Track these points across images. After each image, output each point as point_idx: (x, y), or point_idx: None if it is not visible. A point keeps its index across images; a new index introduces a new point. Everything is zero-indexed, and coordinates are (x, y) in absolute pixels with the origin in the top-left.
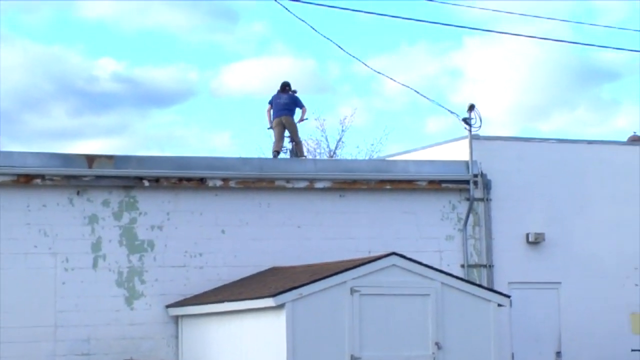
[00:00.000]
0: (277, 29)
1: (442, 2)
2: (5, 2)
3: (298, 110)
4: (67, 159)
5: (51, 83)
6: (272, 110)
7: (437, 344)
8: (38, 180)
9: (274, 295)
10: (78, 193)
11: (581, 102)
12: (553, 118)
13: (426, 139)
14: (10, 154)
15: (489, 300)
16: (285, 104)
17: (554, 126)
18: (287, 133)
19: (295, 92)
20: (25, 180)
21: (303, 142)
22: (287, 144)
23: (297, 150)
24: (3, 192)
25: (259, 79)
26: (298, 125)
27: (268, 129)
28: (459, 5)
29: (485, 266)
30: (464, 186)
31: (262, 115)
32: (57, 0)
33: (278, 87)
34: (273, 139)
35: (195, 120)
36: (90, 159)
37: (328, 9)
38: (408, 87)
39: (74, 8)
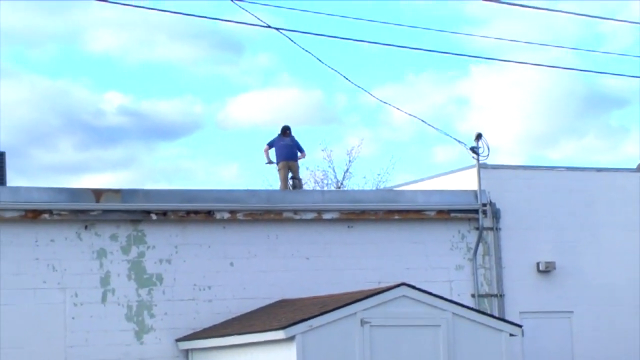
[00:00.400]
0: (283, 60)
1: (448, 32)
2: (11, 37)
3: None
4: (75, 193)
5: (58, 117)
6: (274, 151)
7: None
8: (46, 215)
9: (284, 328)
10: (86, 227)
11: (590, 130)
12: (561, 146)
13: (434, 169)
14: (18, 189)
15: (501, 330)
16: (291, 147)
17: (562, 154)
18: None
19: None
20: (33, 216)
21: (306, 176)
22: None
23: (297, 185)
24: (11, 227)
25: (266, 111)
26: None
27: (266, 164)
28: (465, 34)
29: (496, 296)
30: (473, 215)
31: None
32: (62, 34)
33: (279, 131)
34: (278, 177)
35: (202, 153)
36: (98, 194)
37: (334, 39)
38: (415, 116)
39: (80, 42)
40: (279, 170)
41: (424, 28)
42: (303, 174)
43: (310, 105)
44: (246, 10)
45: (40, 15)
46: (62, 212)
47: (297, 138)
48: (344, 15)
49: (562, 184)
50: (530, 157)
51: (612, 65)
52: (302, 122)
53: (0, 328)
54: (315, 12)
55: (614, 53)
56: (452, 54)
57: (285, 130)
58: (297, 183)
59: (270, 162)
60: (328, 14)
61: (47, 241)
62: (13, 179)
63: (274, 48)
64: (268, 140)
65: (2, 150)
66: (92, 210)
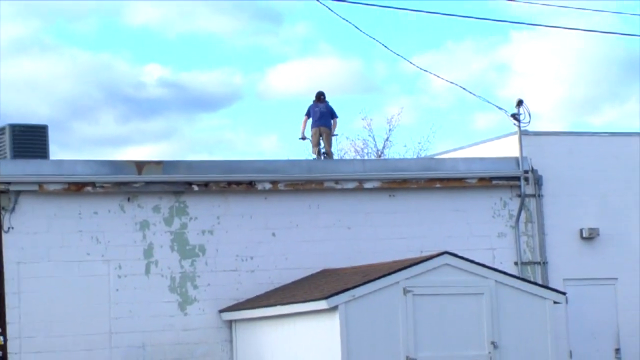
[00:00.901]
0: (322, 29)
1: None
2: (52, 11)
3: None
4: (117, 166)
5: (99, 91)
6: (309, 120)
7: (493, 343)
8: (89, 188)
9: (326, 298)
10: (129, 199)
11: (632, 95)
12: (604, 111)
13: (475, 136)
14: (61, 162)
15: (545, 298)
16: (323, 114)
17: (604, 120)
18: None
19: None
20: (77, 188)
21: (346, 145)
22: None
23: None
24: (55, 200)
25: (305, 81)
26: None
27: (299, 139)
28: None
29: (539, 263)
30: (515, 183)
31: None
32: (103, 7)
33: (313, 97)
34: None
35: (242, 124)
36: (140, 166)
37: (372, 7)
38: (455, 84)
39: (120, 15)
40: (310, 137)
41: None
42: (343, 143)
43: (350, 74)
44: None
45: None
46: (105, 185)
47: (333, 105)
48: None
49: (604, 149)
50: (572, 124)
51: None
52: (342, 91)
53: (47, 300)
54: None
55: None
56: (492, 20)
57: (320, 96)
58: (328, 158)
59: (303, 137)
60: None
61: (91, 213)
62: (56, 153)
63: (313, 17)
64: (306, 110)
65: (44, 123)
66: (135, 183)
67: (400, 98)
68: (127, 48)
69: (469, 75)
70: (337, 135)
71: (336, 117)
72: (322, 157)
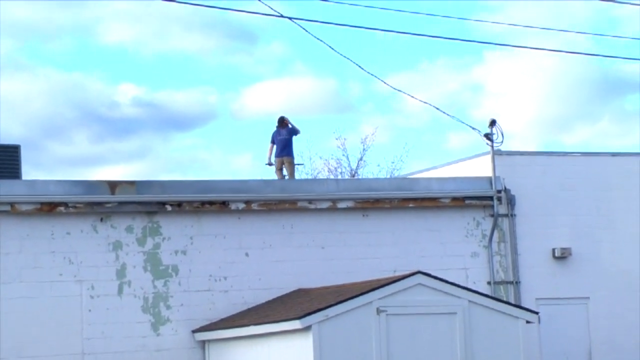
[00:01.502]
0: (297, 49)
1: (460, 18)
2: (26, 31)
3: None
4: (90, 185)
5: (73, 110)
6: (274, 148)
7: None
8: (62, 208)
9: (300, 318)
10: (101, 220)
11: (604, 114)
12: (576, 131)
13: (449, 155)
14: (34, 182)
15: (517, 317)
16: (285, 144)
17: (577, 139)
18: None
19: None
20: (49, 209)
21: (320, 165)
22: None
23: None
24: (27, 220)
25: (280, 100)
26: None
27: (266, 164)
28: (478, 20)
29: (511, 283)
30: (488, 202)
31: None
32: (77, 27)
33: (276, 123)
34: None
35: (217, 143)
36: (113, 185)
37: (347, 27)
38: (428, 103)
39: (94, 34)
40: (274, 165)
41: (437, 15)
42: (317, 162)
43: (325, 93)
44: (259, 0)
45: (55, 8)
46: (78, 205)
47: (307, 125)
48: (355, 4)
49: (577, 169)
50: (545, 143)
51: (627, 49)
52: (317, 110)
53: (19, 321)
54: (327, 0)
55: (628, 37)
56: (465, 40)
57: (282, 121)
58: None
59: (270, 163)
60: (340, 2)
61: (63, 234)
62: (28, 172)
63: (288, 37)
64: (270, 137)
65: (17, 143)
66: (108, 203)
67: (375, 117)
68: (101, 67)
69: (443, 95)
70: (303, 164)
71: (298, 133)
72: None
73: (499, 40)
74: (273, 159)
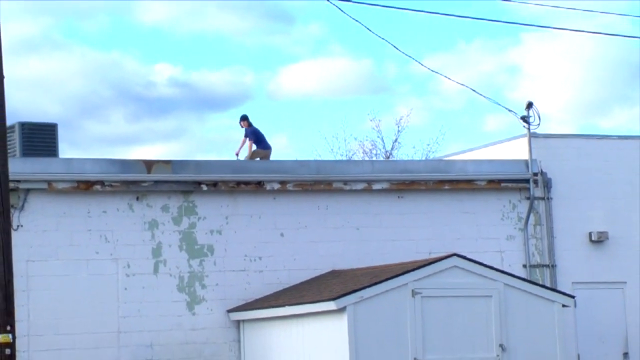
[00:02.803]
0: (334, 29)
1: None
2: (62, 9)
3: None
4: (126, 164)
5: (109, 89)
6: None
7: (501, 345)
8: (98, 187)
9: (335, 299)
10: (137, 199)
11: None
12: (613, 114)
13: (485, 138)
14: (70, 160)
15: (553, 301)
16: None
17: (614, 122)
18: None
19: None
20: (85, 187)
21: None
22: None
23: None
24: (64, 198)
25: (316, 80)
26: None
27: (237, 154)
28: (516, 2)
29: (547, 266)
30: (524, 185)
31: (320, 117)
32: (113, 5)
33: (250, 122)
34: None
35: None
36: (149, 165)
37: (384, 8)
38: (465, 85)
39: (130, 13)
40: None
41: None
42: (352, 144)
43: (361, 74)
44: None
45: None
46: (114, 184)
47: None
48: None
49: (614, 152)
50: (581, 126)
51: None
52: (353, 91)
53: (55, 298)
54: None
55: None
56: (503, 22)
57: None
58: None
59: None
60: None
61: (100, 212)
62: (65, 151)
63: (325, 18)
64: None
65: (54, 122)
66: (144, 182)
67: (411, 99)
68: (137, 47)
69: (479, 77)
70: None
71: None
72: None
73: (535, 22)
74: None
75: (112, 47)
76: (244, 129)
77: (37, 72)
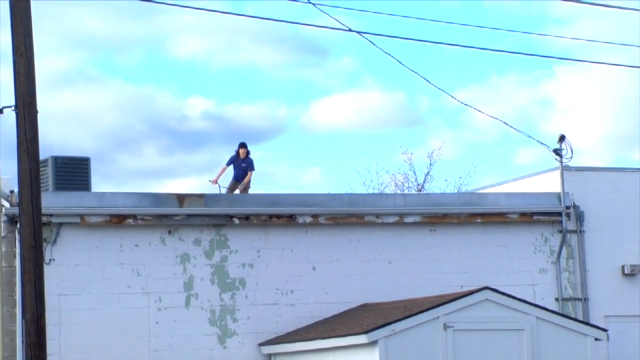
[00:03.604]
0: (366, 62)
1: (531, 33)
2: (98, 43)
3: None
4: (158, 198)
5: (143, 123)
6: (231, 169)
7: None
8: (130, 220)
9: (366, 332)
10: (169, 232)
11: None
12: None
13: (517, 171)
14: (103, 194)
15: (586, 335)
16: (245, 171)
17: None
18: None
19: (249, 153)
20: (118, 221)
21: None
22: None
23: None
24: (97, 232)
25: (349, 113)
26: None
27: (209, 181)
28: (548, 35)
29: (580, 299)
30: (557, 218)
31: (352, 150)
32: (148, 39)
33: (236, 148)
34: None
35: (285, 157)
36: (181, 198)
37: (416, 42)
38: (496, 118)
39: (165, 47)
40: (228, 188)
41: (506, 30)
42: (384, 177)
43: (393, 107)
44: (327, 14)
45: (127, 21)
46: (146, 217)
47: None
48: (423, 18)
49: None
50: (614, 159)
51: None
52: (386, 124)
53: (87, 332)
54: (395, 15)
55: None
56: (535, 55)
57: (244, 149)
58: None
59: (216, 182)
60: (408, 17)
61: (132, 246)
62: (99, 184)
63: (357, 51)
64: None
65: (87, 156)
66: (176, 215)
67: (444, 132)
68: (171, 80)
69: (512, 110)
70: (248, 189)
71: (253, 169)
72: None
73: (568, 54)
74: (220, 181)
75: (147, 81)
76: (247, 158)
77: (72, 106)
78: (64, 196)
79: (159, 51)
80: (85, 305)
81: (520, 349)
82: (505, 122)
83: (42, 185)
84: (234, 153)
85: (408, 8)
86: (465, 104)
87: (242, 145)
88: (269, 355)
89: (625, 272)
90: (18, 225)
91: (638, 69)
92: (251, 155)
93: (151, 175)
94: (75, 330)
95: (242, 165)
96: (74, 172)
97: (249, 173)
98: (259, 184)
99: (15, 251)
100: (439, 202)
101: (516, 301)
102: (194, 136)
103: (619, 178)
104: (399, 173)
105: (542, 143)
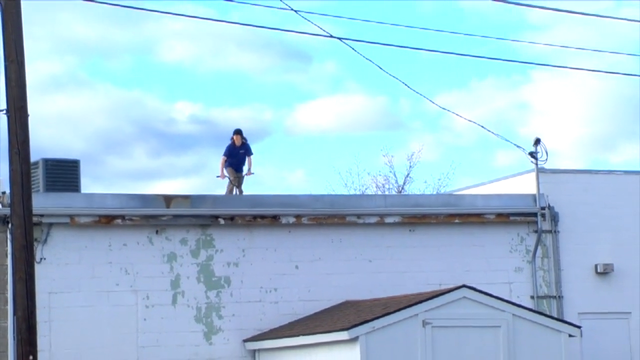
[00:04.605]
0: (349, 67)
1: (508, 40)
2: (87, 49)
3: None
4: (146, 199)
5: (132, 126)
6: (228, 161)
7: None
8: (119, 221)
9: (347, 329)
10: (157, 232)
11: None
12: (621, 150)
13: (496, 173)
14: (92, 195)
15: (560, 331)
16: (243, 157)
17: (622, 158)
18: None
19: (245, 139)
20: (106, 221)
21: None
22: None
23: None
24: (85, 232)
25: (332, 117)
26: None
27: (217, 177)
28: (526, 42)
29: (555, 297)
30: (532, 219)
31: (335, 152)
32: (136, 45)
33: (231, 136)
34: (226, 185)
35: (270, 159)
36: (168, 199)
37: (397, 47)
38: (474, 122)
39: (153, 53)
40: (230, 180)
41: (483, 36)
42: (365, 179)
43: (376, 111)
44: (310, 21)
45: (116, 27)
46: (134, 218)
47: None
48: (408, 25)
49: (619, 187)
50: (590, 161)
51: None
52: (369, 127)
53: (77, 329)
54: (377, 22)
55: None
56: (512, 61)
57: (240, 136)
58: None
59: (222, 176)
60: (390, 24)
61: (120, 245)
62: (89, 186)
63: (341, 56)
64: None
65: (76, 158)
66: (163, 216)
67: (424, 135)
68: (159, 85)
69: (491, 113)
70: (253, 173)
71: (252, 154)
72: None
73: (546, 60)
74: (226, 172)
75: (135, 85)
76: (243, 144)
77: (62, 110)
78: (54, 197)
79: (147, 56)
80: (75, 302)
81: (497, 345)
82: (482, 126)
83: (33, 186)
84: (229, 141)
85: (386, 14)
86: (443, 108)
87: (237, 132)
88: (253, 351)
89: (598, 270)
90: (9, 226)
91: (610, 73)
92: (246, 140)
93: (140, 177)
94: (65, 327)
95: (240, 152)
96: (64, 174)
97: (247, 158)
98: (244, 185)
99: (6, 250)
100: (418, 203)
101: (493, 299)
102: (182, 139)
103: (591, 180)
104: (380, 175)
105: (518, 146)
